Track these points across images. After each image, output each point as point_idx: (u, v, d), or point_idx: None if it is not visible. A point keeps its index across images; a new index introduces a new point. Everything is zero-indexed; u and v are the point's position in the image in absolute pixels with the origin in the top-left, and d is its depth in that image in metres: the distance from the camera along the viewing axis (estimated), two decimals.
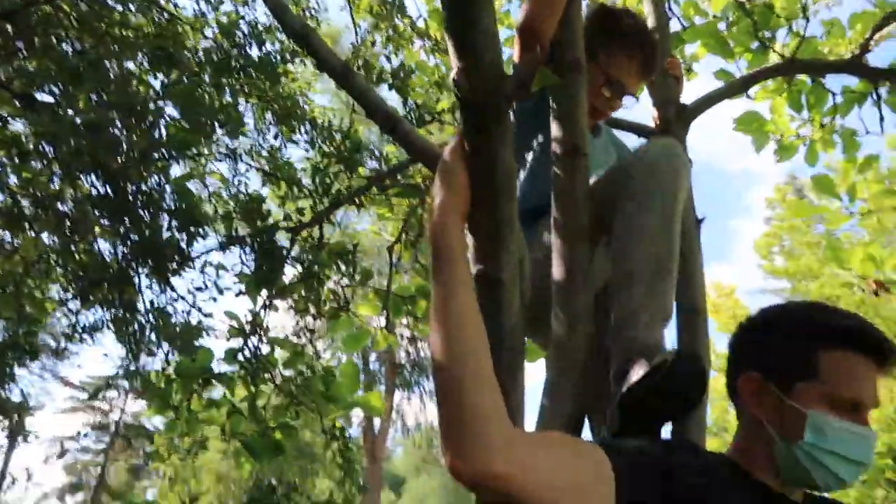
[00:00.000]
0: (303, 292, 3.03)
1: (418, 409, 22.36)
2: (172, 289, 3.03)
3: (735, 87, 2.40)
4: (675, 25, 2.93)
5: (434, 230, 1.04)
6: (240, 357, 2.95)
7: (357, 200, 3.00)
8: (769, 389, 1.04)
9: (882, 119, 2.35)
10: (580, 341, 1.42)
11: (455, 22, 1.00)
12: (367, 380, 20.15)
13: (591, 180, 1.47)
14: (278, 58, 3.42)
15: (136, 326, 3.17)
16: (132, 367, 3.36)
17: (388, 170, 2.78)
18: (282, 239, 3.11)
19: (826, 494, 1.09)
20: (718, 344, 12.17)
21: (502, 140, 1.07)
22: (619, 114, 2.47)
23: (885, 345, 1.02)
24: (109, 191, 2.92)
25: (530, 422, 1.38)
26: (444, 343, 0.95)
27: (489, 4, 1.01)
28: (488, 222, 1.12)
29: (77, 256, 2.99)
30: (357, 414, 20.47)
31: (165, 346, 3.05)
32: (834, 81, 2.50)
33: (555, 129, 1.50)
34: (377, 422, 20.02)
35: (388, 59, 2.89)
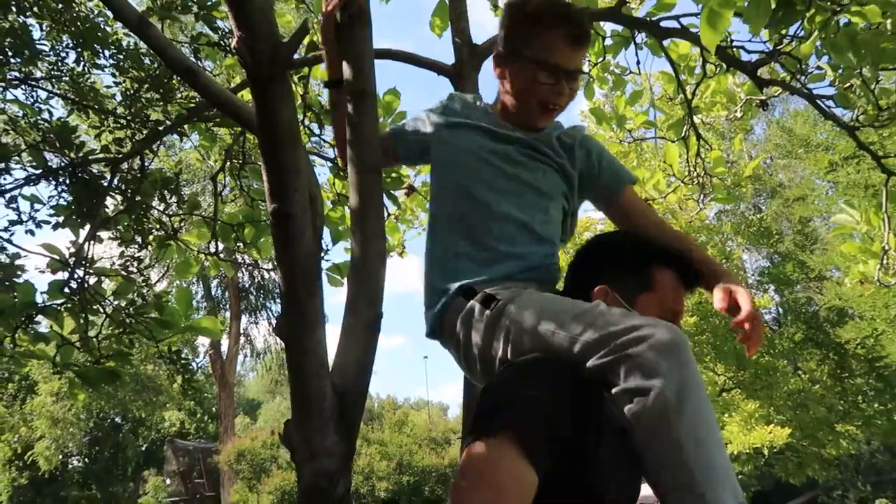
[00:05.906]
0: (127, 223, 3.05)
1: (267, 332, 22.28)
2: None
3: None
4: None
5: None
6: (66, 290, 2.95)
7: (178, 131, 3.03)
8: (616, 300, 1.28)
9: (638, 62, 2.78)
10: (373, 260, 1.69)
11: (232, 1, 1.17)
12: (209, 306, 19.71)
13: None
14: None
15: None
16: None
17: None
18: (102, 170, 3.06)
19: None
20: None
21: (281, 97, 1.27)
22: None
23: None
24: None
25: (334, 334, 1.64)
26: None
27: None
28: (274, 166, 1.33)
29: None
30: (203, 343, 20.06)
31: None
32: (606, 26, 2.89)
33: (347, 74, 1.71)
34: (225, 349, 19.77)
35: None
